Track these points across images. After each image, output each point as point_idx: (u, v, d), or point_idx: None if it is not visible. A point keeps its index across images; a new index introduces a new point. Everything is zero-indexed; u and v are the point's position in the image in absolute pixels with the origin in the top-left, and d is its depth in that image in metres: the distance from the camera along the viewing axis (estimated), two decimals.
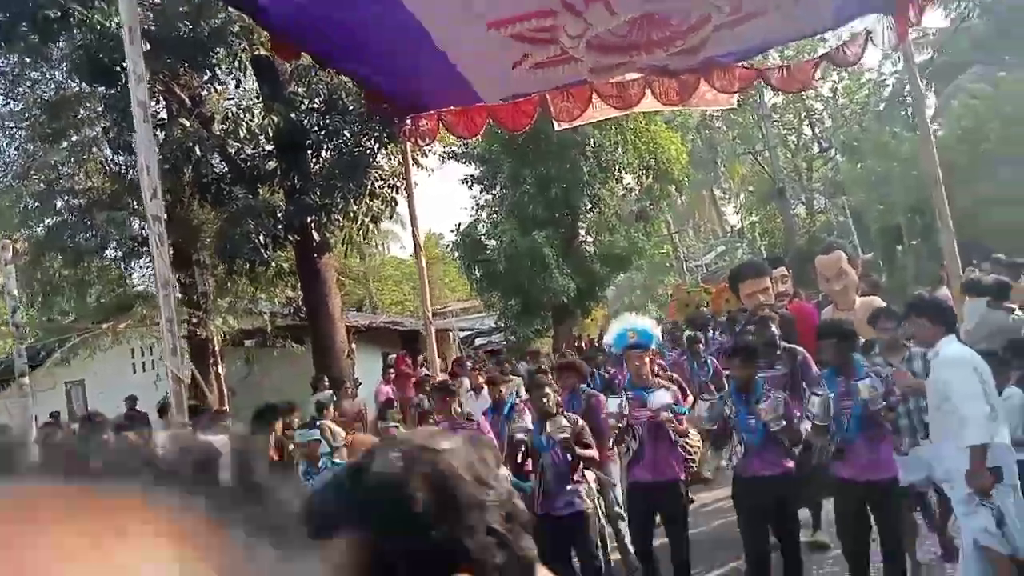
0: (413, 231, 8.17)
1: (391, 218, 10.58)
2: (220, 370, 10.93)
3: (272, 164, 9.52)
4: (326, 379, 9.96)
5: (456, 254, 22.58)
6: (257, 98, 9.97)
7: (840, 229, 17.25)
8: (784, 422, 4.52)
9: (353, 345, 11.72)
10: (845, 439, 4.50)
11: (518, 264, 19.68)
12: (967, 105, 13.23)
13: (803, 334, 7.26)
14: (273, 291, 11.54)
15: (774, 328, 5.94)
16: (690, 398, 6.14)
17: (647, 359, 5.33)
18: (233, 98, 9.46)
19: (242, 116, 8.30)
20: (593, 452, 5.00)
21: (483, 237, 21.67)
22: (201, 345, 10.72)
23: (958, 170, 11.89)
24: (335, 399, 9.08)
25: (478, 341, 25.09)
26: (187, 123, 8.05)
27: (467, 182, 22.45)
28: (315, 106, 9.20)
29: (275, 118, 8.50)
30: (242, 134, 8.32)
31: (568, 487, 4.98)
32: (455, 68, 6.65)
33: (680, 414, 5.13)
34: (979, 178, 12.17)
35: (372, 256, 34.81)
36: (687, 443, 5.39)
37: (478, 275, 21.00)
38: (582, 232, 22.87)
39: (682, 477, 5.26)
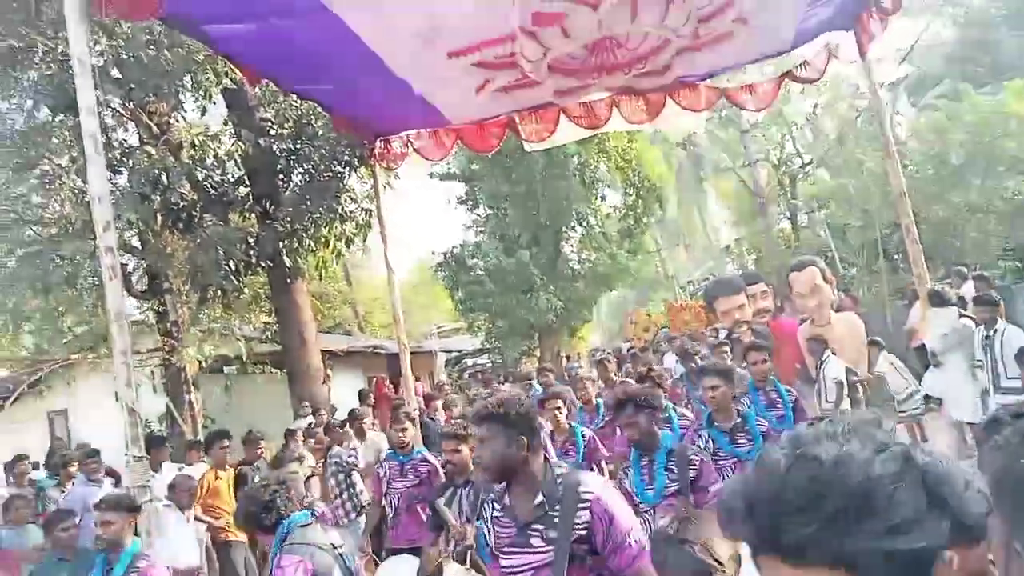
0: (384, 253, 8.16)
1: (364, 241, 10.61)
2: (194, 399, 10.84)
3: (243, 190, 9.50)
4: (308, 405, 9.86)
5: (442, 275, 22.51)
6: (225, 124, 9.97)
7: (821, 244, 17.31)
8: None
9: (330, 370, 11.63)
10: None
11: (503, 284, 19.60)
12: (934, 119, 13.37)
13: (781, 351, 7.23)
14: (248, 316, 11.47)
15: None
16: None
17: None
18: (200, 125, 9.46)
19: (209, 143, 8.29)
20: None
21: (468, 257, 21.59)
22: (176, 374, 10.64)
23: (928, 183, 12.02)
24: (310, 426, 8.99)
25: (467, 362, 24.93)
26: (153, 151, 8.04)
27: (453, 203, 22.49)
28: (284, 131, 9.20)
29: (243, 144, 8.49)
30: (210, 161, 8.31)
31: None
32: (418, 94, 6.65)
33: None
34: (948, 190, 12.28)
35: (358, 280, 34.72)
36: None
37: (461, 296, 20.90)
38: (567, 251, 22.83)
39: None
